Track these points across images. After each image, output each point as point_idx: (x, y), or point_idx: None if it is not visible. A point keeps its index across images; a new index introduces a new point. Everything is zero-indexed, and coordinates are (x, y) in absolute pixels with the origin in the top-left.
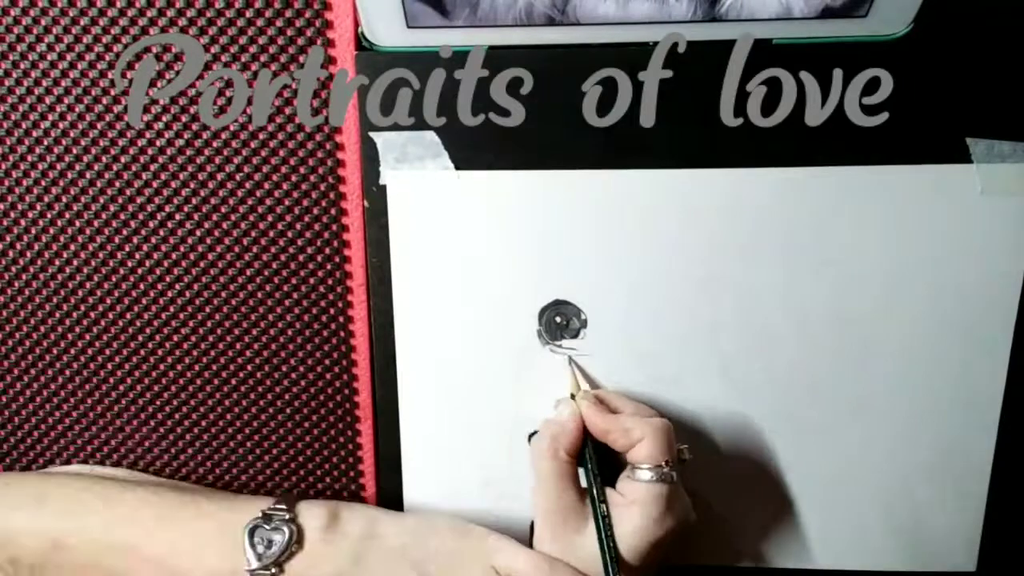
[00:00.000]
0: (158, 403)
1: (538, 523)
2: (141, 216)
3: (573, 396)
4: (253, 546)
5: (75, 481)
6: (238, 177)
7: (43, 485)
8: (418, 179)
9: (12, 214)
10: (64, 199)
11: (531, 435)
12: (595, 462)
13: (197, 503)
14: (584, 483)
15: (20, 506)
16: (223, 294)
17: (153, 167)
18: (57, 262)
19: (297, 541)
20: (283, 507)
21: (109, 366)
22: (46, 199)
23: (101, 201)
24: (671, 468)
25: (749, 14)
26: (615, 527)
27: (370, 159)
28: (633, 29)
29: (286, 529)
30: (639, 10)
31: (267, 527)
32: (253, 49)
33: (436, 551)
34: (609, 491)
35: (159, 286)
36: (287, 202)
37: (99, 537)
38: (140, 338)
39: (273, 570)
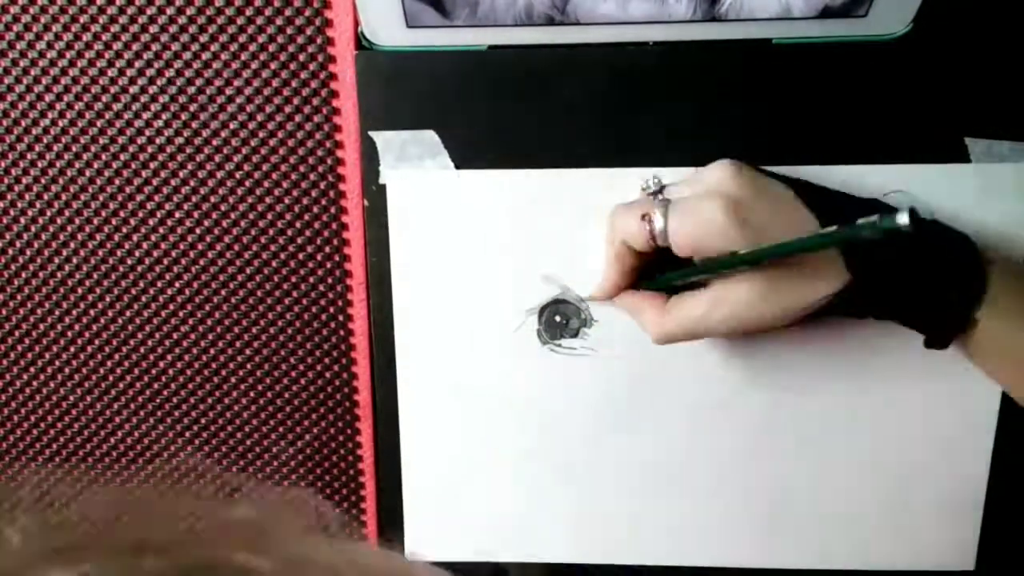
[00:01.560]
0: (157, 401)
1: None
2: (141, 214)
3: None
4: None
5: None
6: (238, 176)
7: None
8: (418, 178)
9: (12, 212)
10: (63, 197)
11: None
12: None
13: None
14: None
15: None
16: (223, 293)
17: (153, 165)
18: (56, 260)
19: None
20: None
21: (109, 364)
22: (45, 197)
23: (101, 200)
24: (657, 212)
25: (749, 14)
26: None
27: (370, 158)
28: (633, 28)
29: None
30: (639, 10)
31: None
32: (253, 47)
33: None
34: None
35: (159, 285)
36: (287, 201)
37: None
38: (139, 336)
39: None
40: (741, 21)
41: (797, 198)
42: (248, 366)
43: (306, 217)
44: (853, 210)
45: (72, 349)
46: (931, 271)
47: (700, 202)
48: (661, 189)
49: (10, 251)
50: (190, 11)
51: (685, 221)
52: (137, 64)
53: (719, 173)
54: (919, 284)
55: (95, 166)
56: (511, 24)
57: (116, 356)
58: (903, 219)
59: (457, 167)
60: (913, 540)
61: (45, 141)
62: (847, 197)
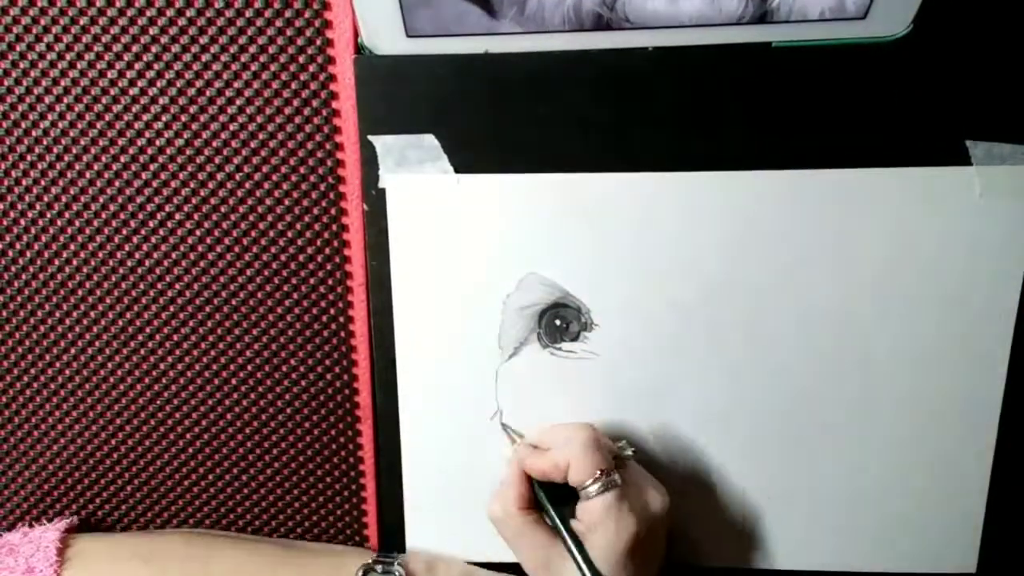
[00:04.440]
0: (157, 403)
1: (528, 571)
2: (141, 216)
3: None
4: None
5: (181, 536)
6: (238, 177)
7: (151, 542)
8: (417, 182)
9: (12, 214)
10: (64, 199)
11: (503, 425)
12: (550, 500)
13: (301, 555)
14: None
15: (127, 562)
16: (223, 294)
17: (153, 167)
18: (56, 262)
19: None
20: (389, 557)
21: (109, 365)
22: (45, 199)
23: (101, 201)
24: (609, 475)
25: (801, 14)
26: (589, 552)
27: (369, 163)
28: (633, 34)
29: (396, 574)
30: (690, 7)
31: (377, 571)
32: (253, 49)
33: None
34: (573, 522)
35: (159, 286)
36: (287, 202)
37: None
38: (140, 338)
39: None
40: (743, 24)
41: (661, 567)
42: (249, 368)
43: (306, 219)
44: None
45: (72, 350)
46: None
47: (627, 513)
48: (630, 458)
49: (10, 252)
50: (190, 13)
51: (609, 511)
52: (137, 66)
53: (658, 504)
54: None
55: (95, 168)
56: (559, 27)
57: (116, 357)
58: None
59: (457, 171)
60: (915, 542)
61: (45, 143)
62: None
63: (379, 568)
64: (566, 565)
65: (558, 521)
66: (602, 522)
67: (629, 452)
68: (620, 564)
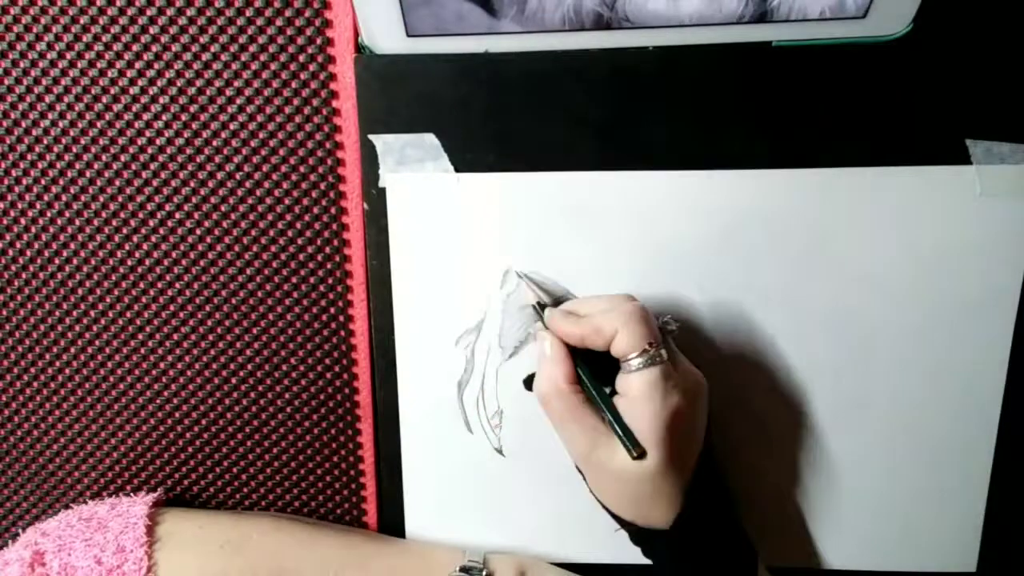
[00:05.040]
0: (158, 402)
1: (577, 463)
2: (141, 215)
3: (540, 306)
4: None
5: (270, 521)
6: (238, 176)
7: (240, 527)
8: (418, 181)
9: (12, 213)
10: (64, 198)
11: (527, 379)
12: (589, 376)
13: (391, 551)
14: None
15: (219, 549)
16: (223, 293)
17: (153, 166)
18: (57, 261)
19: None
20: (478, 561)
21: (109, 364)
22: (46, 198)
23: (101, 200)
24: (657, 348)
25: (801, 14)
26: (631, 425)
27: (370, 161)
28: (633, 33)
29: None
30: (690, 7)
31: None
32: (253, 49)
33: None
34: (616, 397)
35: (159, 285)
36: (287, 202)
37: None
38: (140, 337)
39: None
40: (743, 24)
41: (699, 450)
42: (249, 367)
43: (306, 218)
44: None
45: (72, 349)
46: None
47: (672, 387)
48: (675, 332)
49: (10, 251)
50: (190, 12)
51: (655, 385)
52: (138, 65)
53: (702, 386)
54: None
55: (95, 167)
56: (559, 26)
57: (117, 356)
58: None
59: (457, 170)
60: (915, 541)
61: (46, 142)
62: None
63: (469, 574)
64: (613, 447)
65: (602, 398)
66: (647, 396)
67: (674, 327)
68: (663, 440)
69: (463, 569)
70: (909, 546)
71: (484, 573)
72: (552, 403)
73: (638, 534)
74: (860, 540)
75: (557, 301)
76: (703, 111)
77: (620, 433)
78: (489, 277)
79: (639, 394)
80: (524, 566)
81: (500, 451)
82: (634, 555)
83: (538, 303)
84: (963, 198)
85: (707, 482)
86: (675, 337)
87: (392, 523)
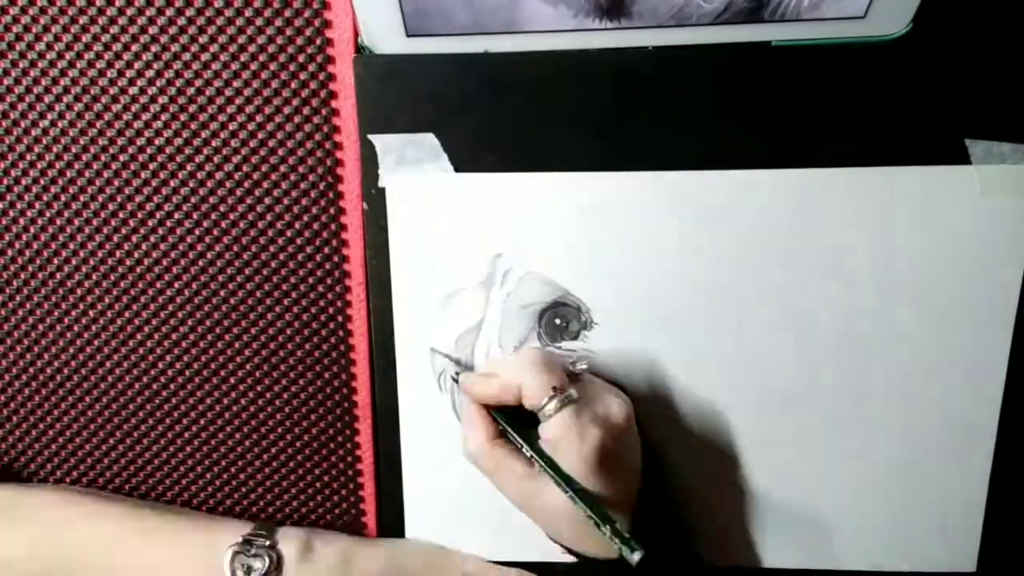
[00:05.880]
0: (156, 402)
1: (519, 509)
2: (140, 215)
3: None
4: (233, 572)
5: (54, 493)
6: (237, 176)
7: (21, 496)
8: (417, 181)
9: (11, 213)
10: (63, 198)
11: (454, 376)
12: (514, 426)
13: (177, 523)
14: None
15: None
16: (222, 293)
17: (152, 166)
18: (56, 261)
19: (276, 568)
20: (263, 533)
21: (108, 364)
22: (45, 198)
23: (100, 200)
24: (564, 390)
25: (797, 12)
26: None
27: (369, 161)
28: (633, 33)
29: (266, 557)
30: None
31: (247, 554)
32: (252, 49)
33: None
34: (540, 442)
35: (158, 285)
36: (286, 201)
37: (75, 551)
38: (139, 337)
39: None
40: (742, 24)
41: (639, 474)
42: (248, 367)
43: (305, 218)
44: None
45: (71, 350)
46: None
47: (589, 422)
48: (585, 371)
49: (9, 252)
50: (189, 12)
51: (571, 424)
52: (136, 65)
53: (619, 409)
54: None
55: (94, 167)
56: (513, 31)
57: (115, 357)
58: (635, 556)
59: (456, 170)
60: (915, 541)
61: (44, 142)
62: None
63: (250, 549)
64: (549, 489)
65: (523, 442)
66: (565, 437)
67: (583, 366)
68: (593, 476)
69: (246, 540)
70: (909, 546)
71: (267, 544)
72: (479, 462)
73: (595, 567)
74: (860, 540)
75: (555, 306)
76: (703, 111)
77: (556, 479)
78: (488, 277)
79: (557, 436)
80: (312, 537)
81: None
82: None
83: (455, 373)
84: (963, 198)
85: (654, 512)
86: (587, 371)
87: (392, 523)
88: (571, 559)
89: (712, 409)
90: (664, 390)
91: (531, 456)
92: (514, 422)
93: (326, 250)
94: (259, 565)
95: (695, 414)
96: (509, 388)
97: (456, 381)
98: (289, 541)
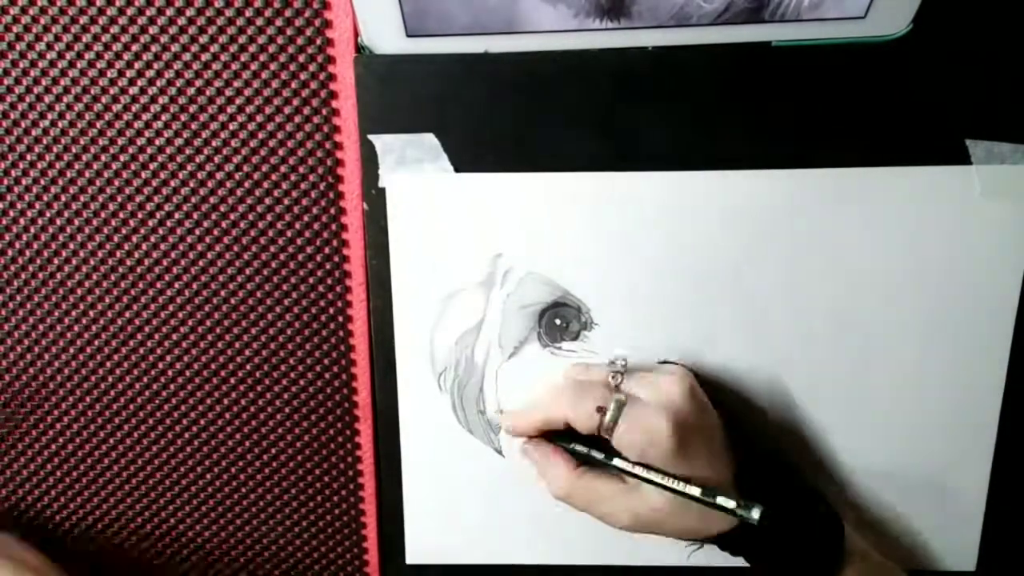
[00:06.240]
0: (156, 402)
1: (629, 530)
2: (140, 215)
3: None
4: None
5: None
6: (237, 176)
7: None
8: (417, 182)
9: (11, 213)
10: (63, 198)
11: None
12: (584, 449)
13: None
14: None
15: None
16: (222, 293)
17: (152, 166)
18: (56, 261)
19: None
20: None
21: (108, 364)
22: (45, 198)
23: (100, 200)
24: (608, 403)
25: (795, 14)
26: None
27: (369, 161)
28: (633, 33)
29: None
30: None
31: None
32: (253, 49)
33: None
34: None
35: (158, 285)
36: (286, 202)
37: None
38: (139, 337)
39: None
40: (740, 24)
41: (724, 435)
42: (248, 367)
43: (305, 218)
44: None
45: (71, 350)
46: (797, 549)
47: (651, 416)
48: (623, 375)
49: (9, 252)
50: (189, 12)
51: (634, 428)
52: (137, 65)
53: (675, 388)
54: (786, 555)
55: (94, 167)
56: (515, 31)
57: (115, 356)
58: (755, 514)
59: (456, 170)
60: (915, 541)
61: (45, 142)
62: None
63: None
64: (644, 496)
65: (606, 460)
66: (636, 442)
67: (620, 365)
68: (682, 461)
69: None
70: (909, 546)
71: None
72: (574, 500)
73: (718, 542)
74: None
75: (555, 306)
76: (703, 111)
77: (656, 483)
78: (489, 277)
79: (630, 445)
80: None
81: (500, 451)
82: (636, 557)
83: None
84: (963, 198)
85: (758, 470)
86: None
87: (391, 524)
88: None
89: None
90: None
91: (619, 471)
92: (583, 441)
93: (326, 250)
94: None
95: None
96: (555, 421)
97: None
98: None
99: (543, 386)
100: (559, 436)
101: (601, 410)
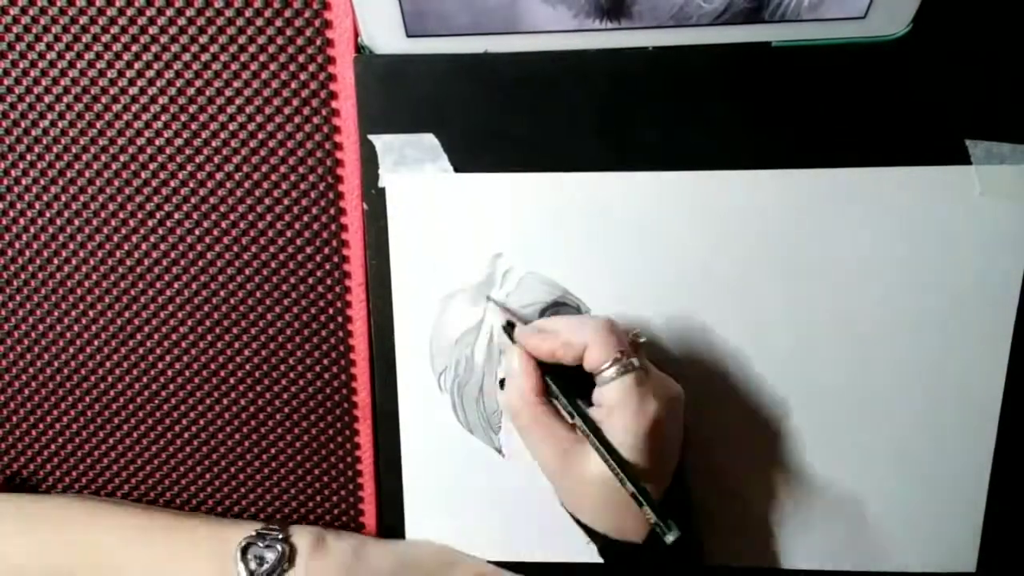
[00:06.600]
0: (156, 402)
1: (548, 475)
2: (140, 215)
3: (510, 325)
4: (246, 562)
5: (60, 498)
6: (237, 177)
7: (30, 504)
8: (417, 182)
9: (11, 213)
10: (63, 198)
11: (501, 380)
12: (561, 388)
13: (190, 522)
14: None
15: (2, 521)
16: (222, 293)
17: (152, 166)
18: (56, 261)
19: (289, 559)
20: (275, 528)
21: (108, 364)
22: (45, 198)
23: (100, 200)
24: (628, 357)
25: (795, 14)
26: (608, 436)
27: (369, 161)
28: (633, 33)
29: (279, 547)
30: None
31: (260, 544)
32: (252, 49)
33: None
34: (590, 410)
35: (158, 285)
36: (286, 202)
37: (85, 553)
38: (139, 337)
39: None
40: (739, 25)
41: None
42: (247, 367)
43: (305, 218)
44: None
45: (71, 350)
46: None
47: (650, 393)
48: (640, 346)
49: (9, 252)
50: (189, 12)
51: (630, 393)
52: (137, 65)
53: (672, 383)
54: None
55: (94, 167)
56: (513, 31)
57: (115, 356)
58: (670, 537)
59: (456, 170)
60: (915, 542)
61: (45, 142)
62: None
63: (261, 542)
64: (584, 456)
65: (572, 407)
66: (623, 405)
67: (644, 339)
68: (640, 448)
69: (259, 534)
70: (908, 546)
71: (280, 536)
72: (521, 415)
73: (609, 547)
74: (859, 540)
75: (555, 306)
76: (703, 111)
77: (599, 448)
78: (488, 277)
79: (615, 403)
80: (325, 532)
81: (500, 451)
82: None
83: (507, 323)
84: (963, 198)
85: (679, 496)
86: (647, 349)
87: (392, 523)
88: (585, 539)
89: (709, 411)
90: None
91: (576, 422)
92: (561, 383)
93: (326, 250)
94: (271, 556)
95: (694, 414)
96: (571, 346)
97: (507, 332)
98: (302, 535)
99: (566, 318)
100: (548, 369)
101: (622, 354)
